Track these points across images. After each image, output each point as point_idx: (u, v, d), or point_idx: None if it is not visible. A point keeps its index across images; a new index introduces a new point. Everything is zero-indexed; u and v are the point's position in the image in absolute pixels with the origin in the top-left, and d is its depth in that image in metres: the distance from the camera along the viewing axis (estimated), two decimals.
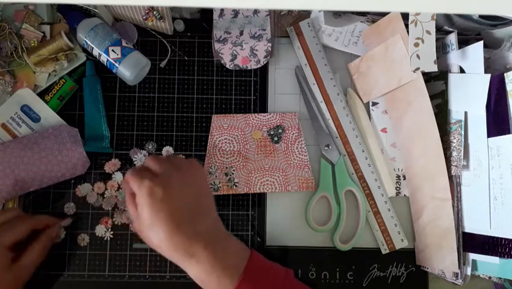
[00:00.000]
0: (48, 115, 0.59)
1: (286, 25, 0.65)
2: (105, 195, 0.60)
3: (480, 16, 0.56)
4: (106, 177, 0.60)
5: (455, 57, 0.57)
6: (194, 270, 0.47)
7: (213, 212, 0.51)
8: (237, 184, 0.60)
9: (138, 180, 0.47)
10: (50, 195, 0.59)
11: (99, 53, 0.59)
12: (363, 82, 0.62)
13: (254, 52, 0.62)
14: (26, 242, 0.54)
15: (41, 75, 0.59)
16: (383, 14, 0.60)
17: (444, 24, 0.59)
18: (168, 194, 0.47)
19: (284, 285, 0.49)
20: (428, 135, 0.57)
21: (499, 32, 0.58)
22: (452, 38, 0.57)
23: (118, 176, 0.60)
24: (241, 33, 0.62)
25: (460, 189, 0.56)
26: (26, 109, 0.59)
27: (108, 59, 0.58)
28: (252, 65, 0.62)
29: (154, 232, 0.46)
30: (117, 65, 0.58)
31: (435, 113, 0.56)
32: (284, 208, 0.61)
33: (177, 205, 0.47)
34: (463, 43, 0.58)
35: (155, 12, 0.59)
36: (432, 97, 0.58)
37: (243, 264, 0.48)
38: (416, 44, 0.55)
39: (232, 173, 0.60)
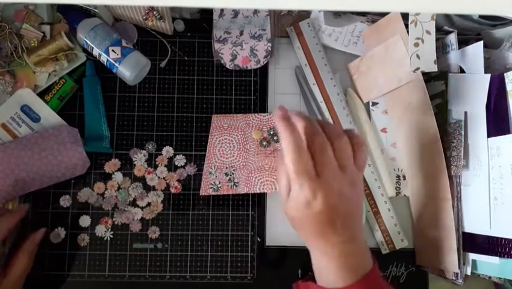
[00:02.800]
0: (48, 115, 0.59)
1: (286, 25, 0.65)
2: (105, 196, 0.60)
3: (480, 16, 0.56)
4: (106, 177, 0.60)
5: (455, 57, 0.57)
6: (318, 255, 0.45)
7: (360, 218, 0.46)
8: (237, 184, 0.60)
9: (299, 175, 0.41)
10: (50, 196, 0.59)
11: (99, 53, 0.59)
12: (363, 82, 0.62)
13: (254, 52, 0.62)
14: (10, 254, 0.54)
15: (41, 75, 0.59)
16: (383, 14, 0.60)
17: (444, 25, 0.59)
18: (327, 205, 0.42)
19: None
20: (428, 135, 0.57)
21: (499, 32, 0.58)
22: (452, 38, 0.58)
23: (118, 176, 0.60)
24: (241, 33, 0.62)
25: (460, 189, 0.56)
26: (26, 109, 0.59)
27: (108, 59, 0.58)
28: (252, 65, 0.62)
29: (299, 231, 0.45)
30: (117, 65, 0.58)
31: (435, 113, 0.56)
32: None
33: (332, 216, 0.42)
34: (463, 43, 0.58)
35: (155, 13, 0.59)
36: (432, 97, 0.58)
37: (365, 270, 0.44)
38: (416, 44, 0.55)
39: (232, 173, 0.60)
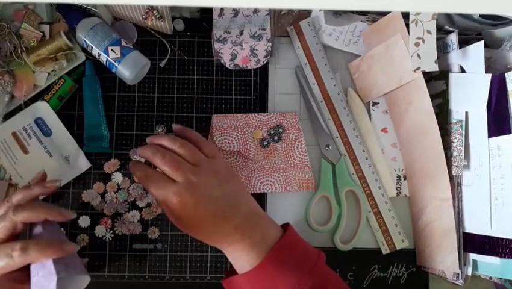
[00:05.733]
0: (60, 132, 0.59)
1: (286, 25, 0.64)
2: (106, 199, 0.59)
3: (481, 16, 0.55)
4: (106, 177, 0.60)
5: (455, 57, 0.57)
6: (227, 251, 0.49)
7: (244, 195, 0.50)
8: None
9: (158, 191, 0.47)
10: (50, 196, 0.59)
11: (99, 53, 0.58)
12: (363, 82, 0.62)
13: (254, 51, 0.62)
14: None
15: (40, 75, 0.59)
16: (383, 14, 0.60)
17: (445, 24, 0.59)
18: (197, 201, 0.47)
19: (314, 268, 0.47)
20: (429, 135, 0.57)
21: (500, 32, 0.57)
22: (453, 37, 0.57)
23: (118, 176, 0.60)
24: (241, 32, 0.62)
25: (461, 189, 0.56)
26: (39, 122, 0.58)
27: (107, 59, 0.58)
28: (252, 65, 0.62)
29: (189, 232, 0.50)
30: (116, 64, 0.58)
31: (435, 113, 0.56)
32: (284, 208, 0.61)
33: (212, 206, 0.47)
34: (464, 42, 0.58)
35: (154, 12, 0.58)
36: (433, 96, 0.58)
37: (273, 241, 0.47)
38: (417, 44, 0.55)
39: None
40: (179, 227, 0.49)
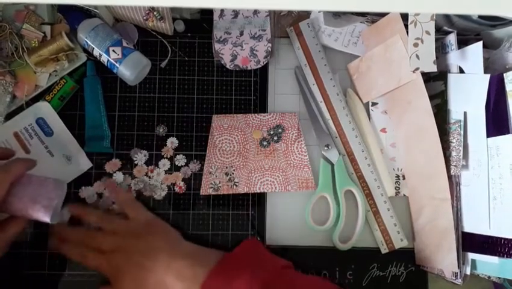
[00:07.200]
0: (61, 131, 0.59)
1: (286, 26, 0.65)
2: (104, 196, 0.60)
3: (480, 16, 0.56)
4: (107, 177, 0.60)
5: (454, 57, 0.57)
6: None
7: (164, 245, 0.53)
8: (237, 184, 0.60)
9: (88, 264, 0.53)
10: None
11: (100, 54, 0.59)
12: (363, 82, 0.63)
13: (254, 52, 0.62)
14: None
15: (41, 75, 0.59)
16: (382, 15, 0.60)
17: (444, 25, 0.60)
18: (120, 261, 0.52)
19: (272, 275, 0.50)
20: (427, 135, 0.57)
21: (499, 33, 0.58)
22: (452, 38, 0.58)
23: (119, 176, 0.60)
24: (241, 33, 0.62)
25: (459, 189, 0.57)
26: (41, 122, 0.59)
27: (108, 60, 0.59)
28: (252, 65, 0.62)
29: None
30: (117, 65, 0.58)
31: (434, 113, 0.56)
32: (284, 208, 0.61)
33: (138, 260, 0.51)
34: (462, 43, 0.58)
35: (155, 13, 0.59)
36: (432, 97, 0.58)
37: (207, 270, 0.49)
38: (415, 45, 0.55)
39: (232, 173, 0.60)
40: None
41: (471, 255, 0.55)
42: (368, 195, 0.61)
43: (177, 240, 0.55)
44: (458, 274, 0.55)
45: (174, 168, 0.61)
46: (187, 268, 0.50)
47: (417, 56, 0.55)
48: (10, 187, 0.49)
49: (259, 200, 0.61)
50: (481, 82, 0.53)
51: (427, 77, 0.59)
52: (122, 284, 0.51)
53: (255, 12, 0.63)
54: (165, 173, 0.61)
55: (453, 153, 0.56)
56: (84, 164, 0.60)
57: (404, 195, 0.62)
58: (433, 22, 0.54)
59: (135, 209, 0.57)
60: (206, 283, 0.48)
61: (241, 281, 0.47)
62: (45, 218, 0.50)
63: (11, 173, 0.49)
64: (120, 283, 0.51)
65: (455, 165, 0.56)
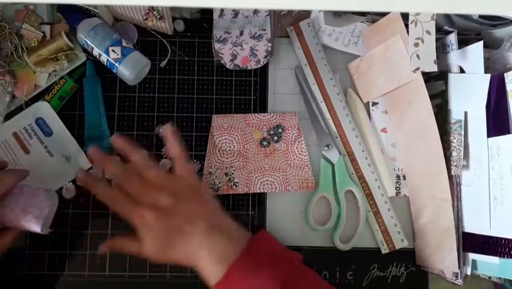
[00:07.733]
0: (61, 131, 0.59)
1: (286, 25, 0.65)
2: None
3: (480, 16, 0.56)
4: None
5: (454, 57, 0.57)
6: (198, 268, 0.50)
7: (201, 212, 0.51)
8: (237, 184, 0.60)
9: (126, 215, 0.50)
10: None
11: (99, 53, 0.59)
12: (363, 82, 0.62)
13: (254, 52, 0.62)
14: None
15: (41, 75, 0.59)
16: (383, 14, 0.60)
17: (444, 24, 0.59)
18: (162, 216, 0.49)
19: (286, 268, 0.49)
20: (428, 135, 0.57)
21: (499, 32, 0.58)
22: (452, 38, 0.58)
23: None
24: (241, 33, 0.62)
25: (460, 189, 0.56)
26: (40, 122, 0.59)
27: (108, 59, 0.59)
28: (252, 65, 0.62)
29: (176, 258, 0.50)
30: (117, 65, 0.58)
31: (435, 113, 0.56)
32: (284, 208, 0.61)
33: (174, 224, 0.49)
34: (463, 43, 0.58)
35: (155, 13, 0.59)
36: (432, 97, 0.58)
37: (236, 253, 0.48)
38: (416, 44, 0.55)
39: (232, 173, 0.60)
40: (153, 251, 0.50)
41: (471, 255, 0.55)
42: (369, 196, 0.61)
43: (218, 211, 0.53)
44: (459, 274, 0.55)
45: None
46: (221, 245, 0.49)
47: (418, 56, 0.55)
48: (2, 198, 0.49)
49: (259, 200, 0.61)
50: (482, 82, 0.53)
51: (427, 77, 0.59)
52: (152, 241, 0.49)
53: (255, 11, 0.63)
54: None
55: (454, 153, 0.56)
56: (84, 164, 0.60)
57: (404, 195, 0.62)
58: (434, 22, 0.54)
59: (185, 168, 0.53)
60: (235, 266, 0.47)
61: (264, 272, 0.47)
62: (36, 228, 0.49)
63: (3, 185, 0.49)
64: (150, 239, 0.49)
65: (455, 165, 0.56)
